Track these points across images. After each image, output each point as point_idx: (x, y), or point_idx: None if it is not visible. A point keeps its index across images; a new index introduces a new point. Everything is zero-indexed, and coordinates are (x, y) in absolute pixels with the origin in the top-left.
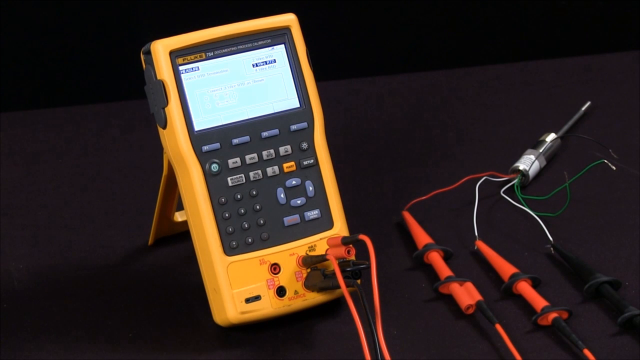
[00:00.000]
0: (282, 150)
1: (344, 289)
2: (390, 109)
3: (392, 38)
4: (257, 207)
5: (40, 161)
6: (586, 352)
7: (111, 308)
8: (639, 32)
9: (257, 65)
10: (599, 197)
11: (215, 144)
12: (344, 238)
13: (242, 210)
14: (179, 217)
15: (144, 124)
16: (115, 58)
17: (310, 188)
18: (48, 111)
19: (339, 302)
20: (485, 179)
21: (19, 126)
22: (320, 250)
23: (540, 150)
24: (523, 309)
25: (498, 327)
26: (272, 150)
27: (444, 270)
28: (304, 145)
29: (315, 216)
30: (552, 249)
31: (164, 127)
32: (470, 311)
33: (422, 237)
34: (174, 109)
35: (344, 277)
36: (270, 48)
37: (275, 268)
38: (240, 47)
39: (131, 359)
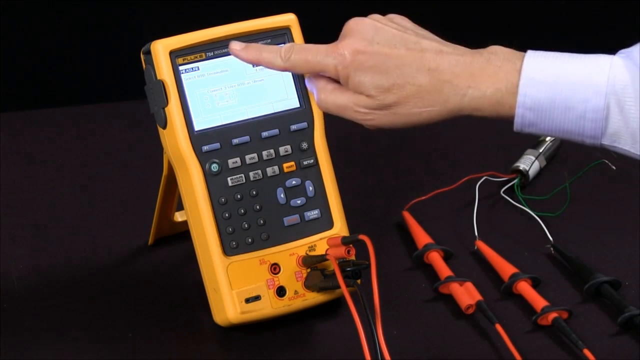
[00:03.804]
0: (282, 150)
1: (344, 289)
2: None
3: None
4: (257, 207)
5: (40, 161)
6: (586, 352)
7: (111, 308)
8: (639, 32)
9: (257, 65)
10: (599, 197)
11: (215, 144)
12: (344, 238)
13: (242, 210)
14: (179, 217)
15: (144, 124)
16: (115, 58)
17: (310, 188)
18: (48, 111)
19: (339, 302)
20: (485, 179)
21: (19, 126)
22: (320, 250)
23: (540, 150)
24: (523, 309)
25: (498, 327)
26: (272, 150)
27: (444, 270)
28: (304, 145)
29: (315, 216)
30: (552, 249)
31: (164, 127)
32: (470, 311)
33: (422, 237)
34: (174, 109)
35: (344, 277)
36: None
37: (275, 268)
38: None
39: (131, 359)
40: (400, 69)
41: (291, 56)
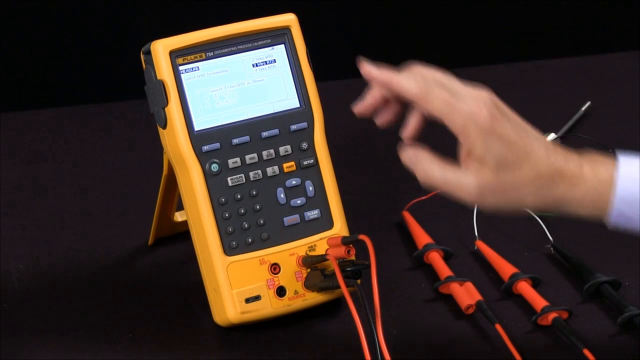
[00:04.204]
0: (282, 150)
1: (344, 289)
2: None
3: (392, 38)
4: (257, 207)
5: (40, 161)
6: (586, 352)
7: (111, 308)
8: (639, 32)
9: (257, 65)
10: None
11: (215, 144)
12: (344, 238)
13: (242, 210)
14: (179, 217)
15: (144, 124)
16: (115, 58)
17: (310, 188)
18: (48, 111)
19: (339, 302)
20: None
21: (19, 126)
22: (320, 250)
23: None
24: (523, 309)
25: (498, 327)
26: (272, 150)
27: (444, 270)
28: (304, 145)
29: (315, 216)
30: (552, 249)
31: (164, 127)
32: (470, 311)
33: (422, 237)
34: (174, 109)
35: (344, 277)
36: (270, 48)
37: (275, 268)
38: (240, 47)
39: (131, 359)
40: (525, 148)
41: (431, 87)
